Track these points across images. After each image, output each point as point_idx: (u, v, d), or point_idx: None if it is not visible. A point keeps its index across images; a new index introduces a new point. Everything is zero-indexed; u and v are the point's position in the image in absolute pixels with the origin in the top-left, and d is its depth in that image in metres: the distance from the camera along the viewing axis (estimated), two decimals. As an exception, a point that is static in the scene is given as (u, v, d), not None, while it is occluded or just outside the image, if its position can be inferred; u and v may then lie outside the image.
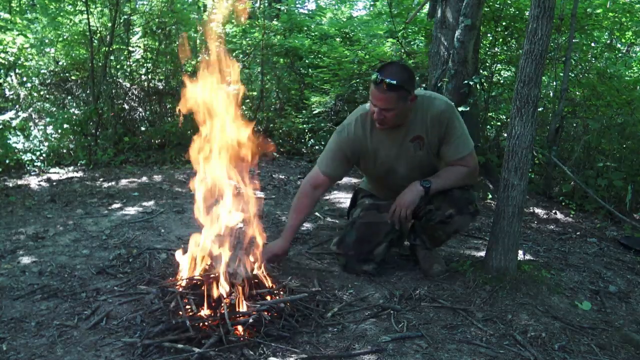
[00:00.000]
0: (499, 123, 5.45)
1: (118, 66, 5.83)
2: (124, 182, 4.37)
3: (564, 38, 4.77)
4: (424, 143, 2.48)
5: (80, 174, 4.63)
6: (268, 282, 2.22)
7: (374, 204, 2.65)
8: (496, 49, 5.33)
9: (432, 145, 2.50)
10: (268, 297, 2.14)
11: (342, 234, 2.66)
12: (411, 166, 2.54)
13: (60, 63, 5.78)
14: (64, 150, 5.06)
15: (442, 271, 2.62)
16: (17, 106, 5.20)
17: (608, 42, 6.55)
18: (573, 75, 5.10)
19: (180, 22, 5.75)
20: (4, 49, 5.31)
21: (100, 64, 5.41)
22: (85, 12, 5.33)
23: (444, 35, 4.36)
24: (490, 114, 5.18)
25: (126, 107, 5.72)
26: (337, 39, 6.82)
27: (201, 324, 1.93)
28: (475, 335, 2.07)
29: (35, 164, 4.68)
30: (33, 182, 4.28)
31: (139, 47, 5.91)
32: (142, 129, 5.71)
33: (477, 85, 4.52)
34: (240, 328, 1.94)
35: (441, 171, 2.53)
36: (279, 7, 7.48)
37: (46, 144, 4.92)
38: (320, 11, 8.44)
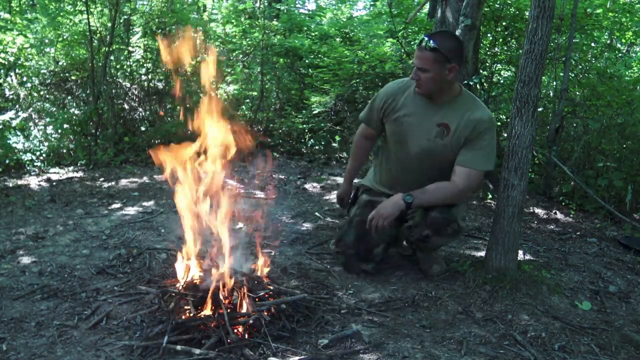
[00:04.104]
0: (499, 123, 5.45)
1: (118, 66, 5.82)
2: (124, 182, 4.37)
3: (564, 38, 4.76)
4: (448, 134, 2.41)
5: (80, 174, 4.62)
6: (268, 283, 2.22)
7: (370, 201, 2.64)
8: (496, 49, 5.32)
9: (454, 142, 2.41)
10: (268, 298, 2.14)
11: (341, 232, 2.67)
12: (424, 149, 2.46)
13: (60, 63, 5.77)
14: (64, 150, 5.05)
15: (442, 271, 2.63)
16: (17, 106, 5.20)
17: (608, 42, 6.54)
18: (573, 75, 5.09)
19: (180, 22, 5.74)
20: (4, 49, 5.30)
21: (100, 64, 5.41)
22: (85, 12, 5.32)
23: (444, 35, 4.35)
24: (490, 114, 5.17)
25: (126, 107, 5.72)
26: (337, 39, 6.80)
27: (201, 324, 1.92)
28: (475, 335, 2.07)
29: (35, 164, 4.67)
30: (33, 182, 4.27)
31: (139, 47, 5.90)
32: (142, 129, 5.70)
33: (477, 85, 4.51)
34: (240, 328, 1.94)
35: (430, 185, 2.42)
36: (279, 7, 7.47)
37: (46, 144, 4.92)
38: (320, 11, 8.41)
